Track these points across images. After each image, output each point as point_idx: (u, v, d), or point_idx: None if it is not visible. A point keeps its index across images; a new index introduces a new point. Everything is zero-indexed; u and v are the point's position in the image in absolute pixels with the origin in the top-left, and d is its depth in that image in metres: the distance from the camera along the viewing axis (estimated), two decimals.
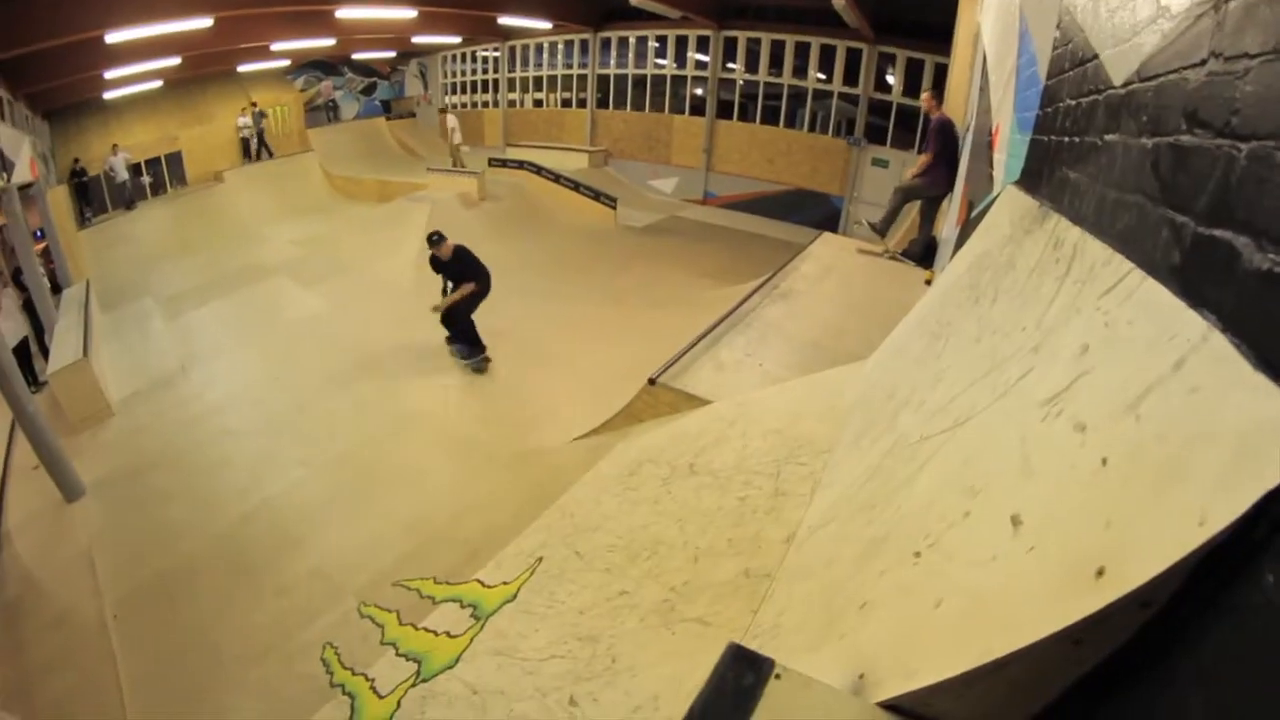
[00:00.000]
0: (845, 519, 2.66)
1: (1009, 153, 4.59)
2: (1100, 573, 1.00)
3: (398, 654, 4.51)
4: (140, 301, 15.53)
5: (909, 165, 11.10)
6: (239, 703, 5.01)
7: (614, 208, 19.22)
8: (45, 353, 12.14)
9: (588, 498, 5.30)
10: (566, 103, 27.13)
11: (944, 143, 8.80)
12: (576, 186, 20.10)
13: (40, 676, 5.86)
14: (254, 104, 26.43)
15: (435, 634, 4.43)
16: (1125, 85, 2.04)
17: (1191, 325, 1.17)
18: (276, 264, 17.15)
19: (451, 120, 24.64)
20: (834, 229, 16.72)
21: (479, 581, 4.80)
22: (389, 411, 9.43)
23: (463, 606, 4.59)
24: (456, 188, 19.59)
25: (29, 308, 13.84)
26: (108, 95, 21.52)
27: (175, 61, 19.12)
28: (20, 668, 6.03)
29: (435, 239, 9.83)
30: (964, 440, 1.99)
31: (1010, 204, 3.74)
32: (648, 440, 5.79)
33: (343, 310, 13.59)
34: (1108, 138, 2.16)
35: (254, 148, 26.63)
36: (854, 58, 18.90)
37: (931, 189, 8.98)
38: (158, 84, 22.40)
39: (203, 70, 22.86)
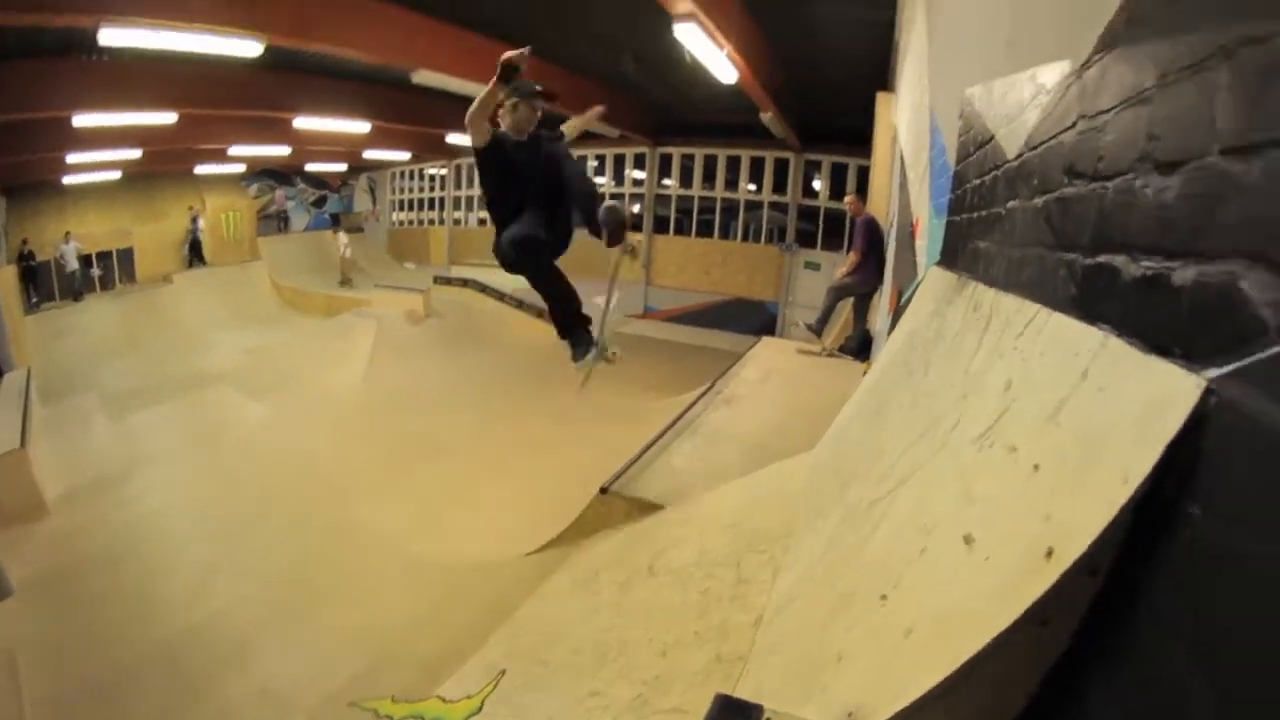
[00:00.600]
0: (809, 593, 2.71)
1: (929, 238, 4.85)
2: (1049, 553, 1.11)
3: None
4: (84, 396, 15.18)
5: (839, 265, 11.47)
6: None
7: None
8: None
9: (547, 608, 5.23)
10: None
11: (870, 240, 9.17)
12: (520, 304, 20.29)
13: None
14: (191, 208, 26.46)
15: None
16: (1018, 157, 2.26)
17: (1091, 338, 1.32)
18: (223, 371, 16.98)
19: (343, 237, 26.49)
20: (772, 333, 17.08)
21: (439, 698, 4.66)
22: (337, 526, 9.18)
23: None
24: (402, 305, 19.78)
25: None
26: (67, 180, 21.57)
27: (136, 154, 19.31)
28: None
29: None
30: (911, 493, 2.09)
31: (932, 283, 3.94)
32: (604, 548, 5.76)
33: (289, 422, 13.37)
34: (1009, 205, 2.36)
35: (196, 252, 26.61)
36: (782, 167, 19.74)
37: (862, 286, 9.31)
38: (116, 175, 22.43)
39: (161, 167, 23.08)
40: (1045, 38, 2.09)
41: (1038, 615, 1.12)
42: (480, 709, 4.21)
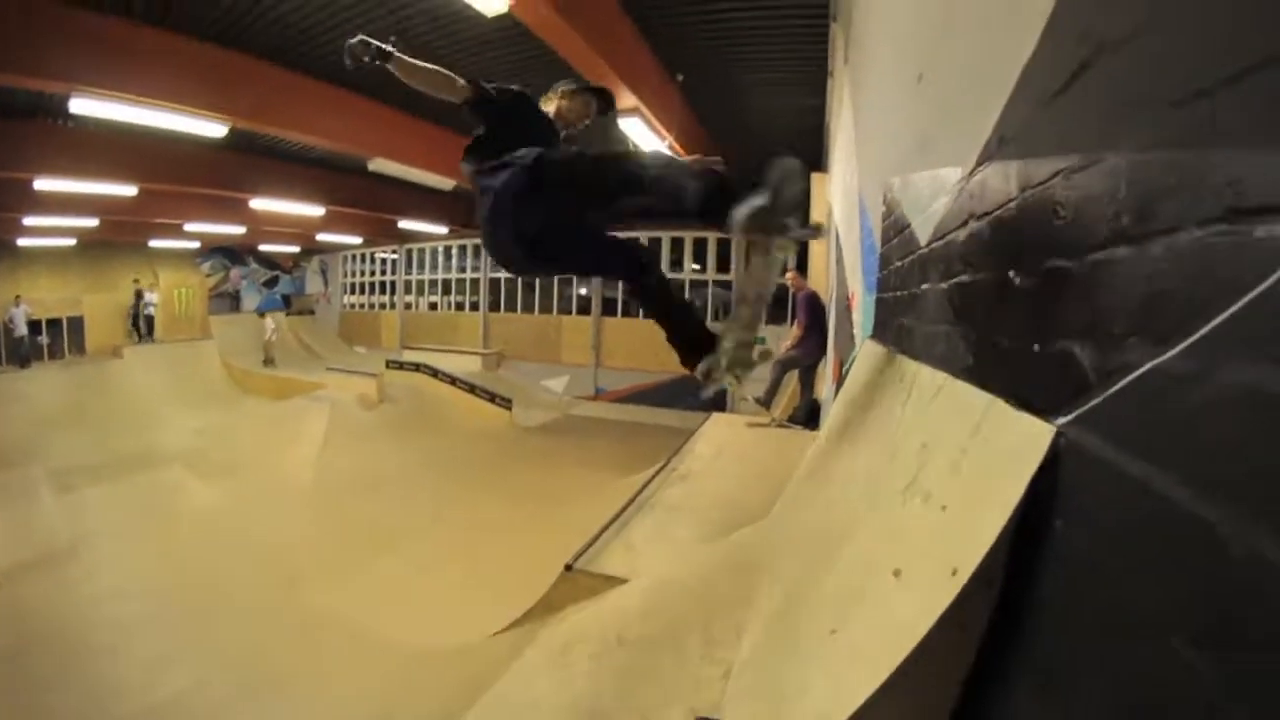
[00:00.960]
0: (772, 641, 2.93)
1: (863, 312, 5.18)
2: (954, 572, 1.39)
3: None
4: (29, 468, 14.91)
5: (784, 339, 11.83)
6: None
7: (509, 408, 19.75)
8: None
9: (519, 685, 5.25)
10: (460, 305, 28.26)
11: (812, 314, 9.55)
12: (472, 389, 20.80)
13: None
14: (136, 281, 26.52)
15: None
16: (929, 244, 2.57)
17: (981, 400, 1.63)
18: (174, 451, 16.88)
19: (269, 321, 27.07)
20: (723, 409, 17.38)
21: None
22: (297, 610, 9.16)
23: None
24: (354, 389, 19.82)
25: None
26: (21, 241, 21.72)
27: (93, 222, 19.69)
28: None
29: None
30: (855, 543, 2.36)
31: (866, 355, 4.26)
32: (573, 622, 5.80)
33: (243, 505, 13.28)
34: (923, 287, 2.66)
35: (137, 327, 26.51)
36: (725, 246, 20.27)
37: (807, 358, 9.67)
38: (71, 241, 22.74)
39: (117, 237, 23.39)
40: (949, 143, 2.37)
41: (950, 621, 1.38)
42: None
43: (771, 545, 4.27)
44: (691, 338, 4.61)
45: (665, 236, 21.39)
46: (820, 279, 11.42)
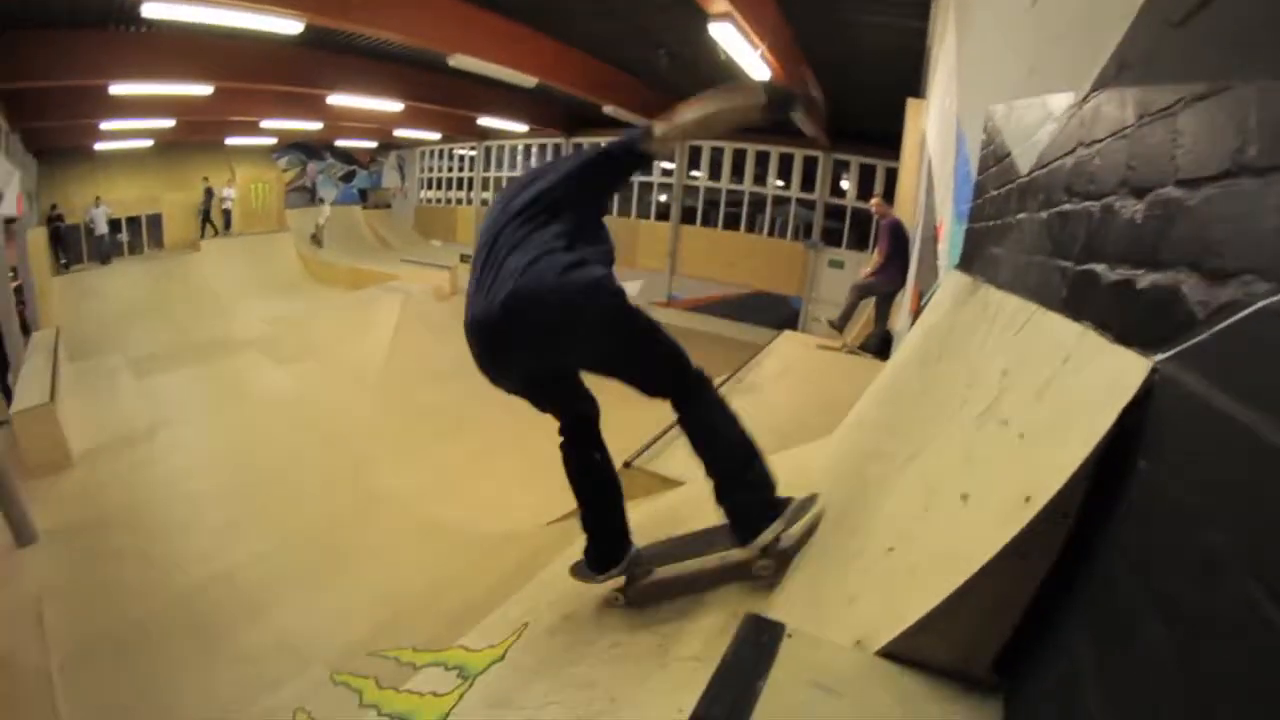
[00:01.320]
0: (822, 553, 2.95)
1: (950, 243, 5.07)
2: (1027, 499, 1.38)
3: (380, 715, 4.37)
4: (109, 356, 15.58)
5: (864, 265, 11.64)
6: None
7: None
8: (8, 392, 12.14)
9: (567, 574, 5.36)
10: None
11: (894, 242, 9.36)
12: None
13: None
14: (205, 179, 26.80)
15: (420, 694, 4.30)
16: (1029, 173, 2.51)
17: (1073, 332, 1.60)
18: (248, 338, 17.50)
19: (325, 209, 28.46)
20: (794, 328, 17.24)
21: (463, 647, 4.68)
22: (358, 490, 9.44)
23: (447, 669, 4.46)
24: (428, 281, 19.97)
25: None
26: (99, 146, 22.07)
27: (169, 123, 19.84)
28: None
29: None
30: (919, 464, 2.36)
31: (950, 284, 4.18)
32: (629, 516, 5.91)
33: (313, 389, 13.74)
34: (1019, 217, 2.60)
35: (210, 222, 26.95)
36: (810, 165, 19.82)
37: (885, 286, 9.50)
38: (148, 143, 23.02)
39: (193, 137, 23.64)
40: (1059, 70, 2.30)
41: (1018, 550, 1.38)
42: (503, 657, 4.25)
43: (834, 461, 4.26)
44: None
45: (750, 149, 21.08)
46: (905, 209, 11.16)
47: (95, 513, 9.20)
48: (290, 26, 11.07)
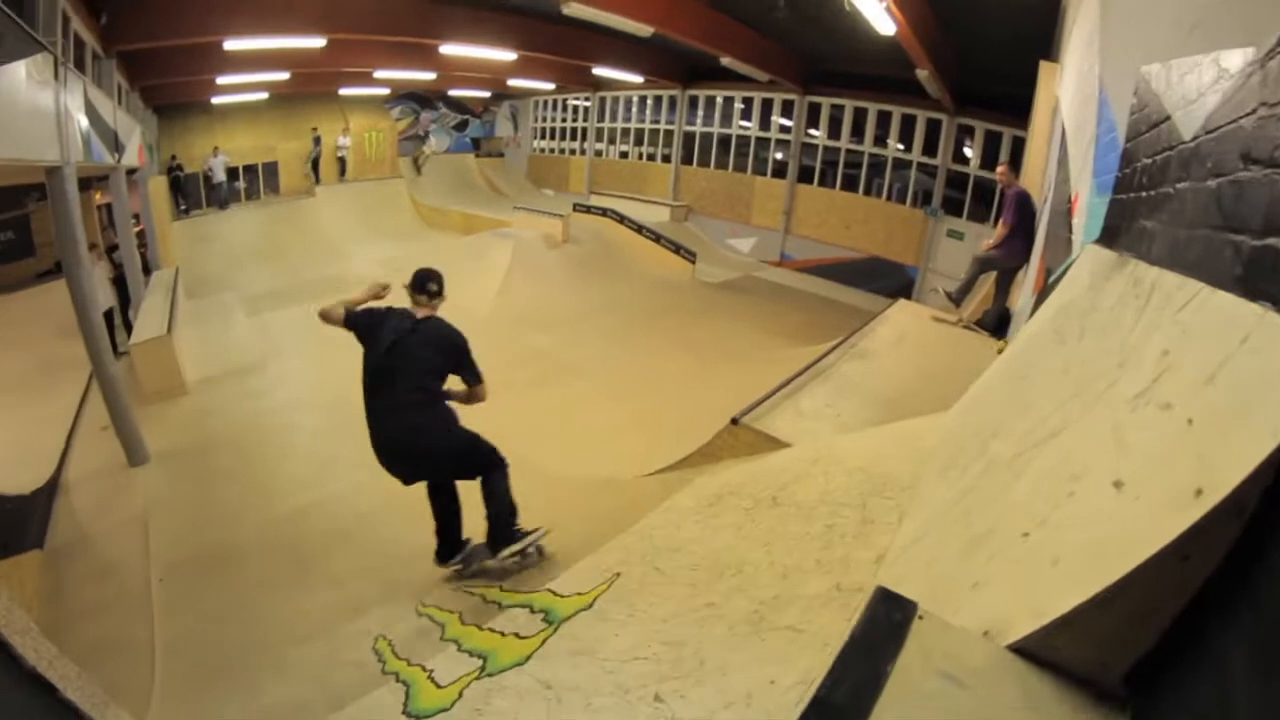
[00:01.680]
0: (939, 533, 2.84)
1: (1088, 216, 4.80)
2: (1198, 492, 1.25)
3: (460, 650, 4.35)
4: (224, 295, 16.44)
5: (985, 237, 11.25)
6: (276, 681, 4.96)
7: (693, 262, 19.51)
8: (130, 328, 12.74)
9: (667, 523, 5.31)
10: (651, 156, 27.87)
11: (1021, 214, 8.98)
12: (657, 238, 20.68)
13: (74, 621, 6.01)
14: (314, 129, 27.69)
15: (502, 634, 4.28)
16: (1194, 139, 2.31)
17: (1250, 312, 1.45)
18: (359, 279, 17.64)
19: (432, 142, 30.41)
20: (909, 297, 16.79)
21: (551, 591, 4.71)
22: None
23: (533, 611, 4.46)
24: (540, 228, 20.10)
25: (120, 283, 14.57)
26: (216, 100, 23.06)
27: (284, 76, 20.45)
28: (57, 609, 6.24)
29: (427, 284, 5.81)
30: (1059, 445, 2.21)
31: (1090, 259, 3.94)
32: (727, 476, 5.86)
33: None
34: (1179, 186, 2.41)
35: (316, 170, 27.81)
36: (934, 128, 19.11)
37: (1008, 260, 9.13)
38: (263, 95, 23.90)
39: (307, 89, 24.32)
40: (1230, 24, 2.12)
41: (1181, 549, 1.26)
42: (591, 605, 4.24)
43: (951, 439, 4.12)
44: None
45: (871, 109, 20.41)
46: (1034, 180, 10.69)
47: (203, 437, 9.71)
48: None
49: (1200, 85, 2.31)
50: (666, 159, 26.94)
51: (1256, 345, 1.37)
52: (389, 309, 5.60)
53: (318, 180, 27.34)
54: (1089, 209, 4.86)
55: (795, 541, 3.98)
